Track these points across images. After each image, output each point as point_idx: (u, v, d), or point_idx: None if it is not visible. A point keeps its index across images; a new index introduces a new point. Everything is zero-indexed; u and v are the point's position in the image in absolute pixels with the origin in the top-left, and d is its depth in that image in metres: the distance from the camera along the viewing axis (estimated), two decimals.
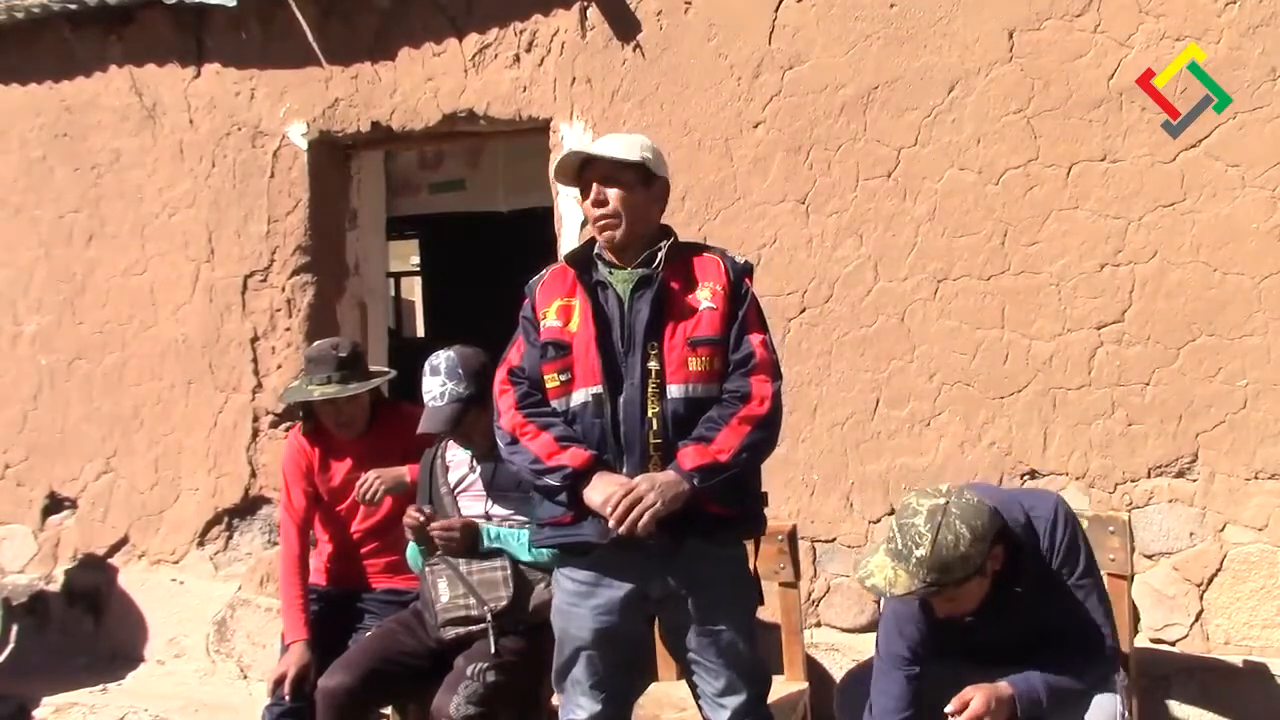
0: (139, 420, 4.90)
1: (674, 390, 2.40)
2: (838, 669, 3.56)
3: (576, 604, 2.50)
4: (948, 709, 2.38)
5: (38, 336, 5.14)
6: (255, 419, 4.65)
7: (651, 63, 3.91)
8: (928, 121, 3.53)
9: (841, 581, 3.68)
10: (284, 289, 4.58)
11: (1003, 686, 2.38)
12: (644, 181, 2.51)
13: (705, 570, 2.44)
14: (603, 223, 2.47)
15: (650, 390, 2.40)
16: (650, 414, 2.39)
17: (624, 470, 2.39)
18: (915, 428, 3.56)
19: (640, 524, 2.30)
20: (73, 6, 4.78)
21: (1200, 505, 3.27)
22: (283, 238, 4.58)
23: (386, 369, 3.81)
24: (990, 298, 3.48)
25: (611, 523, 2.31)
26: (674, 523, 2.34)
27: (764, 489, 2.58)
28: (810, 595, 3.72)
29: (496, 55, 4.16)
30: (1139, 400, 3.32)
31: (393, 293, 9.09)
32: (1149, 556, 3.31)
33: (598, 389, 2.42)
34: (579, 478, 2.39)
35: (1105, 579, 2.92)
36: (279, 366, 4.60)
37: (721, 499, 2.38)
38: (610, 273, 2.50)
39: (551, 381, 2.48)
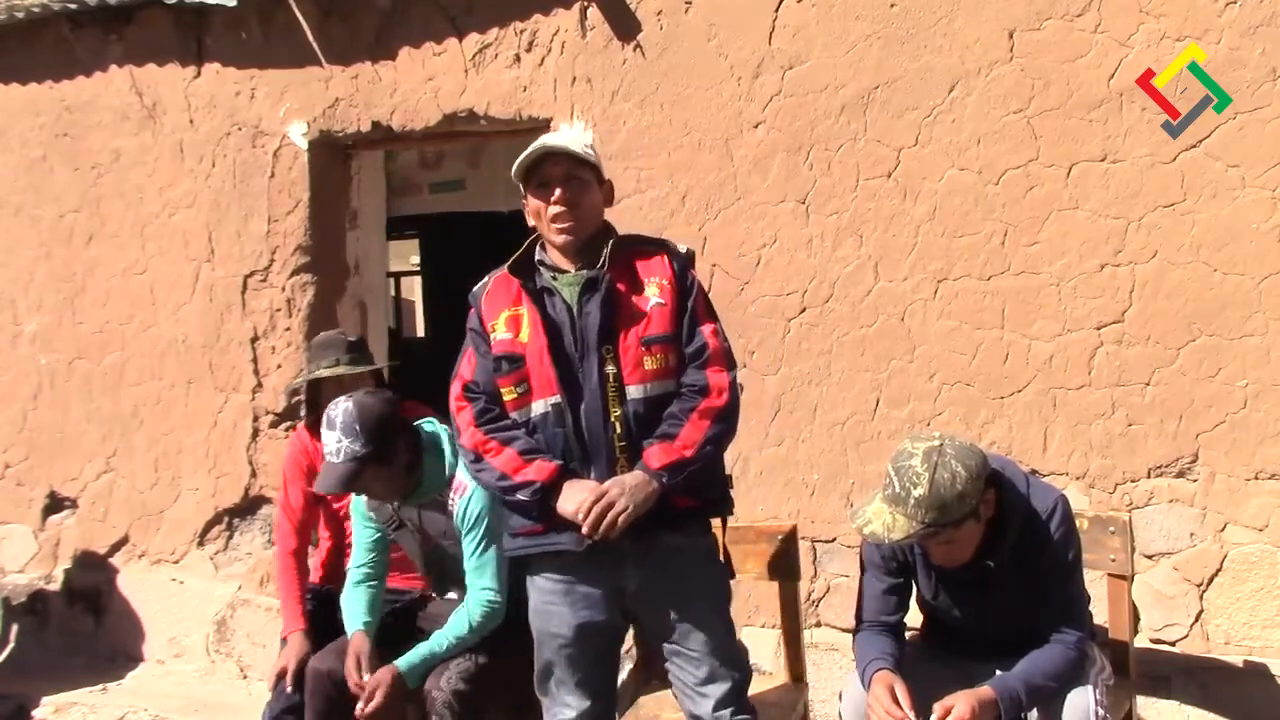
0: (139, 420, 4.90)
1: (633, 391, 2.41)
2: (838, 669, 3.57)
3: (555, 602, 2.50)
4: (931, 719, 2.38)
5: (38, 336, 5.14)
6: (255, 419, 4.65)
7: (651, 63, 3.91)
8: (928, 121, 3.53)
9: (841, 581, 3.68)
10: (284, 289, 4.59)
11: (984, 691, 2.38)
12: (598, 181, 2.52)
13: (678, 562, 2.45)
14: (564, 223, 2.45)
15: (610, 394, 2.40)
16: (613, 418, 2.40)
17: (592, 475, 2.40)
18: (915, 428, 3.56)
19: (615, 529, 2.32)
20: (73, 6, 4.78)
21: (1200, 505, 3.27)
22: (283, 237, 4.58)
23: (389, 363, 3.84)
24: (990, 298, 3.48)
25: (585, 529, 2.33)
26: (645, 521, 2.35)
27: (730, 473, 2.61)
28: (810, 595, 3.72)
29: (496, 55, 4.16)
30: (1139, 400, 3.32)
31: (393, 293, 9.08)
32: (1149, 556, 3.31)
33: (556, 399, 2.41)
34: (548, 491, 2.38)
35: (1105, 579, 2.94)
36: (279, 366, 4.60)
37: (689, 491, 2.40)
38: (554, 278, 2.48)
39: (509, 394, 2.46)
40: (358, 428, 2.79)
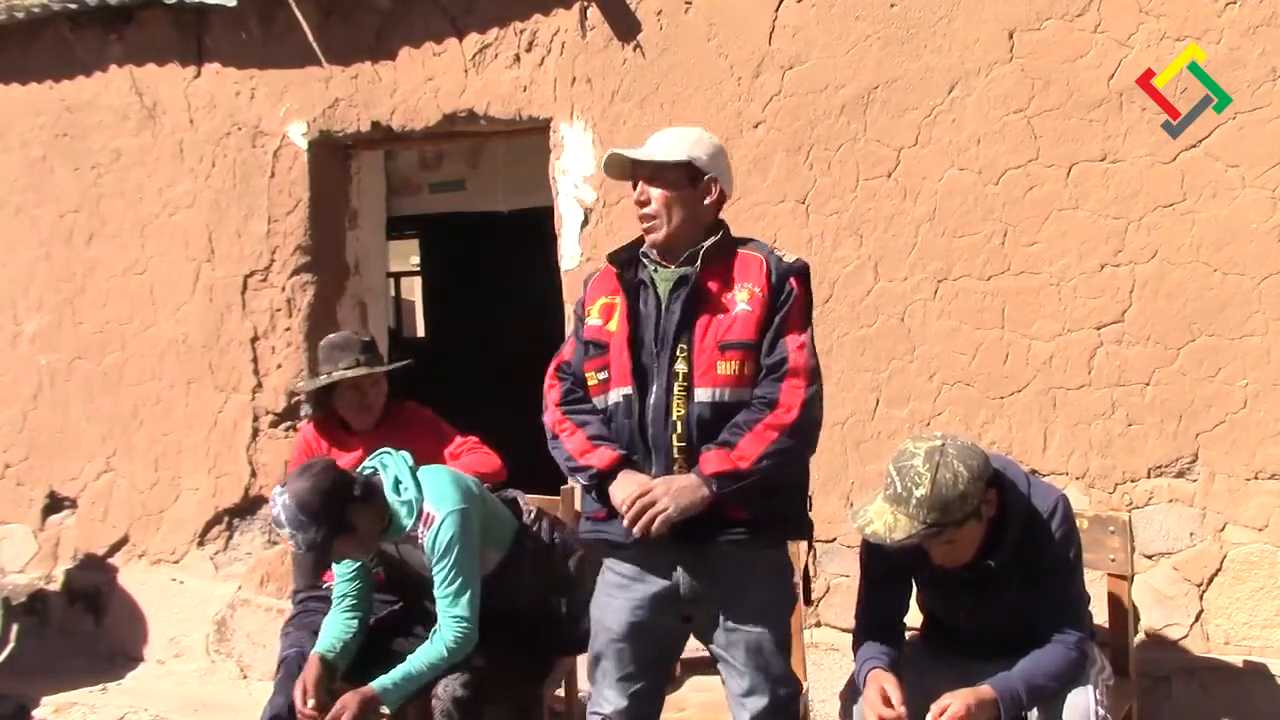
0: (139, 420, 4.90)
1: (701, 394, 2.39)
2: (838, 669, 3.56)
3: (614, 596, 2.52)
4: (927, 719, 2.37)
5: (38, 336, 5.14)
6: (255, 419, 4.65)
7: (651, 63, 3.91)
8: (928, 121, 3.53)
9: (841, 581, 3.68)
10: (284, 289, 4.59)
11: (984, 690, 2.38)
12: (690, 180, 2.49)
13: (732, 572, 2.43)
14: (647, 223, 2.49)
15: (677, 393, 2.39)
16: (675, 417, 2.38)
17: (651, 472, 2.40)
18: (915, 428, 3.56)
19: (653, 527, 2.31)
20: (73, 6, 4.78)
21: (1200, 505, 3.27)
22: (283, 237, 4.58)
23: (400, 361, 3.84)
24: (990, 298, 3.48)
25: (625, 523, 2.34)
26: (695, 525, 2.34)
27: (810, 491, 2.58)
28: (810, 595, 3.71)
29: (496, 55, 4.16)
30: (1139, 400, 3.32)
31: (393, 293, 9.08)
32: (1149, 556, 3.31)
33: (628, 390, 2.43)
34: (605, 478, 2.41)
35: (1105, 579, 2.94)
36: (279, 366, 4.60)
37: (744, 503, 2.37)
38: (655, 271, 2.49)
39: (591, 380, 2.51)
40: (303, 518, 2.74)
